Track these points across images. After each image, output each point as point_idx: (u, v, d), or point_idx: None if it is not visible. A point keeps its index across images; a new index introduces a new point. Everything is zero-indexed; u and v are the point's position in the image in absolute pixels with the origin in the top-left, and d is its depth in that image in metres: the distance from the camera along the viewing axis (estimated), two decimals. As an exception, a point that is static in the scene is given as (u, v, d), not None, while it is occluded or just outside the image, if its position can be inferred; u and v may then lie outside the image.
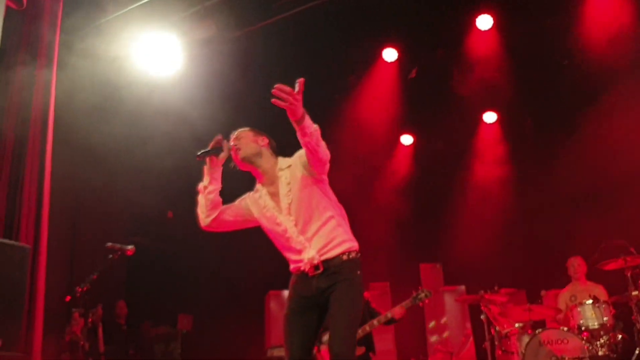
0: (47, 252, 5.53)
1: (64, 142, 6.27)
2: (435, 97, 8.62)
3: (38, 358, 5.29)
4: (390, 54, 8.44)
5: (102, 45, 6.56)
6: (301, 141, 3.28)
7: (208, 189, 3.56)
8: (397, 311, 6.03)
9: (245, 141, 3.61)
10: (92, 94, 6.57)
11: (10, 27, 5.71)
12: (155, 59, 6.93)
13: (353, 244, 3.51)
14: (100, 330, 7.76)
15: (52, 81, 5.96)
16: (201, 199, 3.59)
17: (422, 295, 5.94)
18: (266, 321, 9.52)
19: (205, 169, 3.59)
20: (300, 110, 3.13)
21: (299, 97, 3.10)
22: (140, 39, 6.77)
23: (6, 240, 5.07)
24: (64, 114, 6.15)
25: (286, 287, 3.59)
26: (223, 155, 3.57)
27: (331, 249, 3.42)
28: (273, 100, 3.09)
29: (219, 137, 3.60)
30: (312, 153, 3.32)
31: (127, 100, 7.24)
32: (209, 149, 3.55)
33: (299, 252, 3.45)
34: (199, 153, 3.54)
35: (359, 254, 3.51)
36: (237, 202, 3.70)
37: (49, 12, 6.14)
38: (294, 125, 3.19)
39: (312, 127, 3.23)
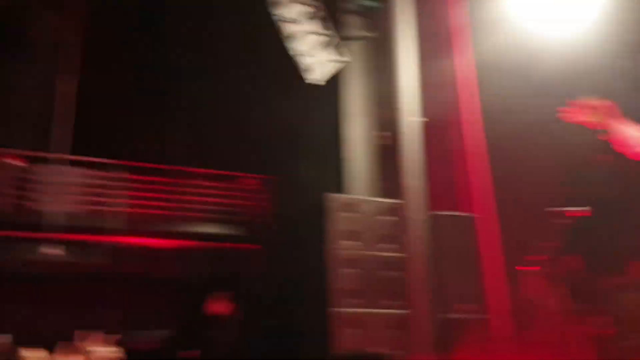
0: (497, 220, 5.84)
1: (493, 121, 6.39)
2: None
3: (507, 318, 5.61)
4: None
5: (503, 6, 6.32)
6: None
7: None
8: None
9: None
10: (505, 61, 6.45)
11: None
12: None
13: None
14: (559, 287, 7.84)
15: (467, 59, 6.19)
16: None
17: None
18: None
19: None
20: None
21: None
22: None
23: (452, 213, 5.67)
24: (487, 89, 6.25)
25: None
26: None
27: None
28: None
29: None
30: None
31: (543, 63, 6.87)
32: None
33: None
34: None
35: None
36: None
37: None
38: None
39: None
